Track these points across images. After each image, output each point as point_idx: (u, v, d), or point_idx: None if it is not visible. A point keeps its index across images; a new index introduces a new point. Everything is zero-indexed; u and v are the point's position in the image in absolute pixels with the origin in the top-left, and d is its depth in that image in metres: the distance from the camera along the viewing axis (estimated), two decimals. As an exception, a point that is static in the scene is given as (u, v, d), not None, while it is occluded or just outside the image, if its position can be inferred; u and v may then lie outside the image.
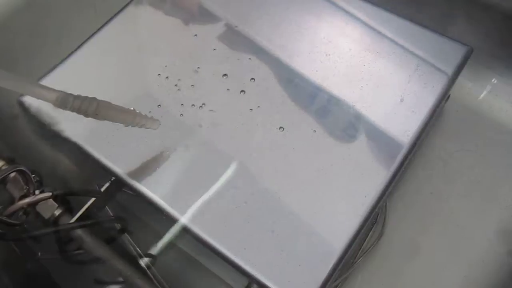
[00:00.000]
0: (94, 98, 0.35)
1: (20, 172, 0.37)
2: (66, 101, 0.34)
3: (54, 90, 0.34)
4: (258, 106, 0.46)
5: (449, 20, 0.58)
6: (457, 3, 0.57)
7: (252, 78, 0.48)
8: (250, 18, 0.52)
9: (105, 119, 0.36)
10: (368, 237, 0.50)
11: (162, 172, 0.43)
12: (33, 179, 0.37)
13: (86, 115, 0.35)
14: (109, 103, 0.36)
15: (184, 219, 0.40)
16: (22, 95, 0.46)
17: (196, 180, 0.42)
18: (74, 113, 0.35)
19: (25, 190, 0.37)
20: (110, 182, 0.42)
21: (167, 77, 0.48)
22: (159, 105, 0.46)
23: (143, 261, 0.44)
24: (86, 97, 0.35)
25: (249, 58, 0.49)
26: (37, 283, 0.44)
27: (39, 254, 0.41)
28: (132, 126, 0.39)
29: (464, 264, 0.49)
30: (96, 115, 0.35)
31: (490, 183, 0.54)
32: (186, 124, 0.45)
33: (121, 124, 0.38)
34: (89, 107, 0.35)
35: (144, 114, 0.39)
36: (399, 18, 0.51)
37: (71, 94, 0.34)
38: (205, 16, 0.53)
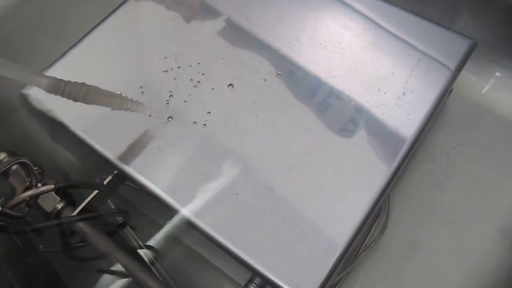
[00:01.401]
0: (84, 83, 0.36)
1: (23, 164, 0.37)
2: (58, 86, 0.34)
3: (45, 76, 0.35)
4: (260, 101, 0.46)
5: (453, 13, 0.58)
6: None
7: (254, 72, 0.47)
8: (252, 12, 0.52)
9: (94, 103, 0.37)
10: (371, 232, 0.50)
11: (165, 165, 0.42)
12: (35, 171, 0.37)
13: (76, 99, 0.36)
14: (98, 88, 0.37)
15: (187, 213, 0.40)
16: (23, 87, 0.46)
17: (199, 173, 0.42)
18: (76, 106, 0.36)
19: (27, 183, 0.37)
20: (112, 175, 0.42)
21: (168, 70, 0.48)
22: (160, 98, 0.46)
23: (146, 255, 0.44)
24: (76, 82, 0.36)
25: (251, 53, 0.49)
26: (39, 275, 0.44)
27: (42, 247, 0.41)
28: (119, 110, 0.40)
29: (466, 257, 0.49)
30: (84, 99, 0.36)
31: (493, 177, 0.54)
32: (189, 118, 0.45)
33: (109, 108, 0.40)
34: (79, 92, 0.36)
35: (130, 97, 0.41)
36: (402, 10, 0.50)
37: (61, 79, 0.35)
38: (207, 9, 0.53)
